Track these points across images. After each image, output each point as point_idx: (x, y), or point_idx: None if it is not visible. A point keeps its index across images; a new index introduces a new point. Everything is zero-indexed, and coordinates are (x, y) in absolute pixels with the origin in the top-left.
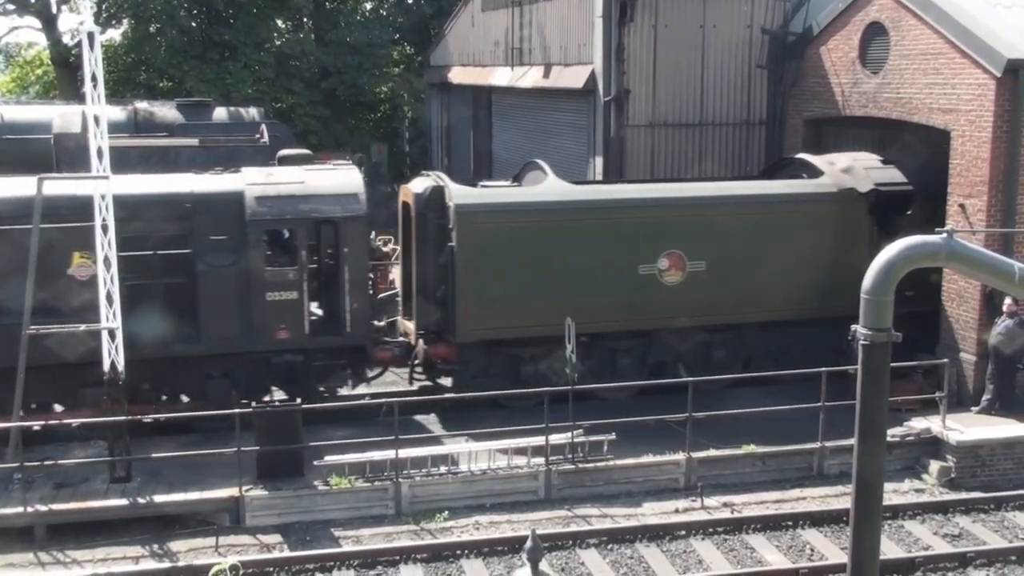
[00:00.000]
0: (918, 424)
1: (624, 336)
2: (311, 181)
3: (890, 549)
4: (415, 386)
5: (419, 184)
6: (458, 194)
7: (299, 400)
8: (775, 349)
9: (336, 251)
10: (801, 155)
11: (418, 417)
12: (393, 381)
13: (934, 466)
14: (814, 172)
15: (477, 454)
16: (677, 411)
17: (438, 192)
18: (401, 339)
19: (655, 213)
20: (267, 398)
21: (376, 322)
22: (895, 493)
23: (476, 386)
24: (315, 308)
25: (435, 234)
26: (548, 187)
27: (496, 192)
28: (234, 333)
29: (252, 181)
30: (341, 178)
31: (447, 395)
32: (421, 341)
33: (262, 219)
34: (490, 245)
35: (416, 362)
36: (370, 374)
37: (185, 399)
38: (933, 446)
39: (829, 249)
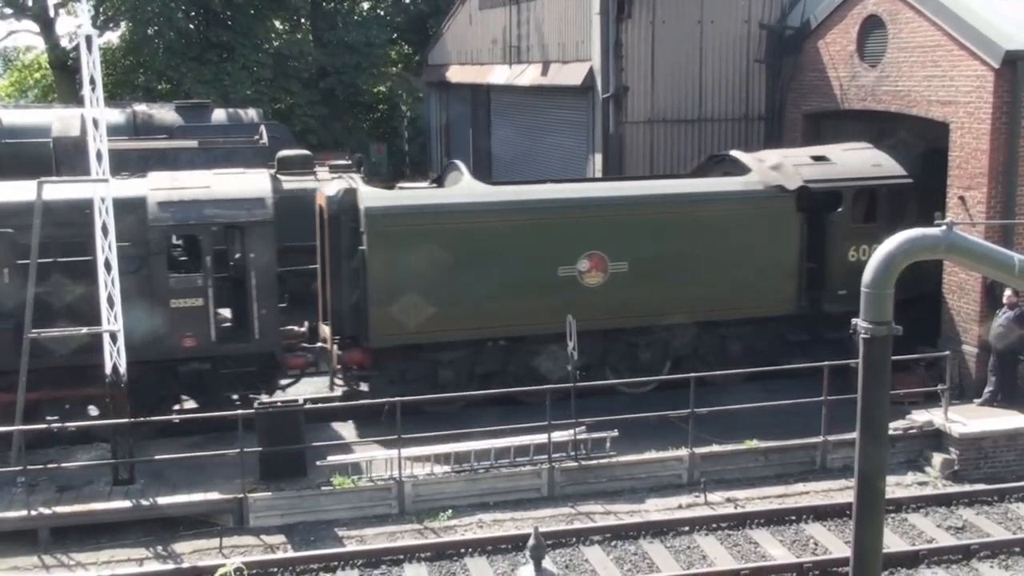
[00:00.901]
0: (920, 417)
1: (546, 339)
2: (217, 186)
3: (894, 542)
4: (336, 392)
5: (332, 187)
6: (368, 197)
7: (302, 400)
8: (704, 350)
9: (243, 257)
10: (732, 152)
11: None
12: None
13: (937, 459)
14: (743, 170)
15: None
16: (679, 407)
17: (350, 195)
18: (318, 345)
19: (573, 214)
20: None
21: (296, 327)
22: (898, 486)
23: (393, 392)
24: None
25: (348, 238)
26: (462, 188)
27: (408, 194)
28: (138, 341)
29: (156, 186)
30: (248, 183)
31: (447, 395)
32: (336, 347)
33: (164, 225)
34: (402, 248)
35: (338, 368)
36: (284, 381)
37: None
38: (936, 439)
39: (757, 248)
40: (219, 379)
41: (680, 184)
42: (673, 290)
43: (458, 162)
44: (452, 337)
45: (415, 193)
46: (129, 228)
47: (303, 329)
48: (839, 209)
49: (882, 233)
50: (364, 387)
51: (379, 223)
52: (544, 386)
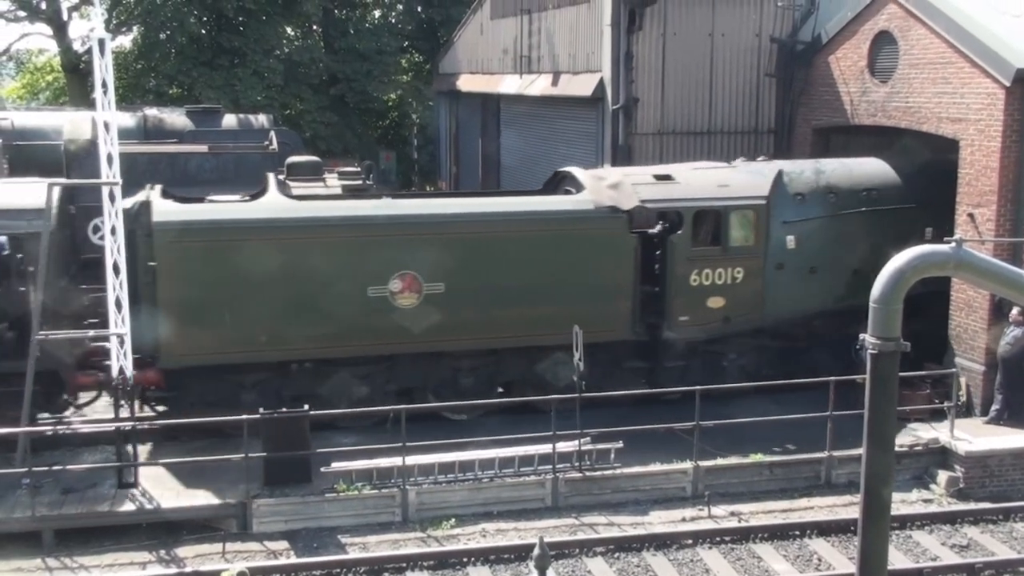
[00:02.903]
0: (926, 434)
1: (359, 362)
2: None
3: (898, 559)
4: (146, 411)
5: (131, 199)
6: (160, 210)
7: (306, 406)
8: (535, 376)
9: (22, 270)
10: (571, 169)
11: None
12: None
13: (942, 476)
14: (580, 187)
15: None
16: (683, 419)
17: (145, 207)
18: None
19: (382, 232)
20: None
21: (104, 343)
22: (903, 503)
23: (194, 415)
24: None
25: (143, 252)
26: (264, 203)
27: (204, 209)
28: None
29: None
30: (27, 193)
31: (461, 403)
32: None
33: None
34: (196, 265)
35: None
36: (79, 400)
37: None
38: (941, 456)
39: (587, 270)
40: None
41: (500, 203)
42: (496, 313)
43: (270, 175)
44: (250, 359)
45: (213, 208)
46: None
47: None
48: (679, 231)
49: (728, 257)
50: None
51: (170, 238)
52: (552, 396)
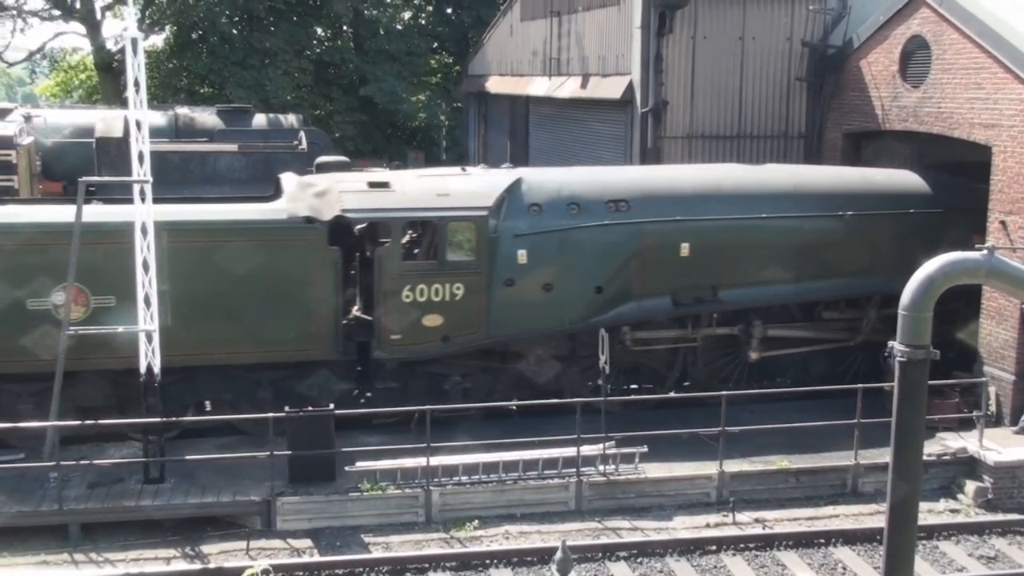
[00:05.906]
0: (955, 443)
1: (27, 379)
2: None
3: (924, 570)
4: None
5: None
6: None
7: (331, 405)
8: (233, 395)
9: None
10: (286, 175)
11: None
12: None
13: (970, 486)
14: (281, 194)
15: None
16: (709, 424)
17: None
18: None
19: (41, 240)
20: None
21: None
22: (930, 513)
23: None
24: None
25: None
26: None
27: None
28: None
29: None
30: None
31: (479, 404)
32: None
33: None
34: None
35: None
36: None
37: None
38: (969, 466)
39: (279, 285)
40: None
41: (176, 211)
42: (177, 330)
43: None
44: None
45: None
46: None
47: None
48: (385, 242)
49: (446, 272)
50: None
51: None
52: (574, 399)
